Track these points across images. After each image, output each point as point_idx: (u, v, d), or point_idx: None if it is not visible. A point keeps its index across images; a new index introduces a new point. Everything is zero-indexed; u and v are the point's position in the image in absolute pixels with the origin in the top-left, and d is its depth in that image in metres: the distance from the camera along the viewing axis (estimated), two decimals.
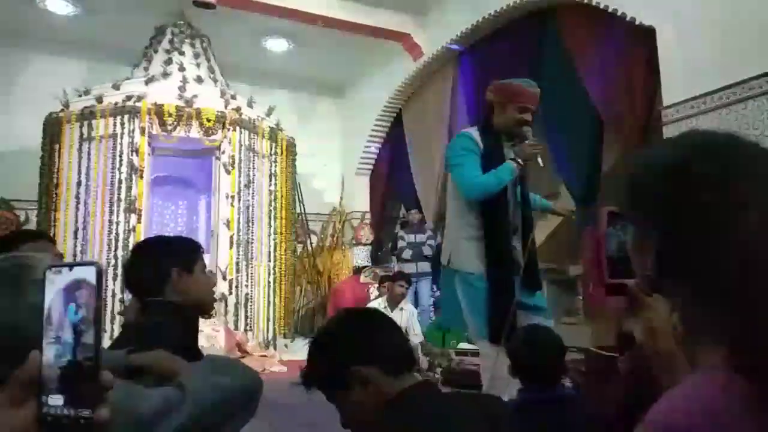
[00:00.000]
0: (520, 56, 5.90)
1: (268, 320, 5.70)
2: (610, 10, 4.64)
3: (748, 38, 3.71)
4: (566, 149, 5.11)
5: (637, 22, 4.37)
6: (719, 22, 3.90)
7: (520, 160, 2.53)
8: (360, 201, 8.80)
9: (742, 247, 0.63)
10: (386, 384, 1.13)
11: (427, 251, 6.65)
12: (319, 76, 8.77)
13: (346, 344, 1.19)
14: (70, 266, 0.58)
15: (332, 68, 8.51)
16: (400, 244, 6.74)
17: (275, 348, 5.62)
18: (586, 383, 2.73)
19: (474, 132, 2.66)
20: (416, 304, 6.11)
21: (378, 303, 5.12)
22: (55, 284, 0.57)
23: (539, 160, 2.60)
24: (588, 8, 4.89)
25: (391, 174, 8.54)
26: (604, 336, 1.35)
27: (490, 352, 2.45)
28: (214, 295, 1.67)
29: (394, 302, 5.03)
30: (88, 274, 0.57)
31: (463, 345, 4.95)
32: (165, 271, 1.46)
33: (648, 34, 4.34)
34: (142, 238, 1.62)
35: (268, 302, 5.73)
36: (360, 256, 7.69)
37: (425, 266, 6.57)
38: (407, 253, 6.63)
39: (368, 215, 8.67)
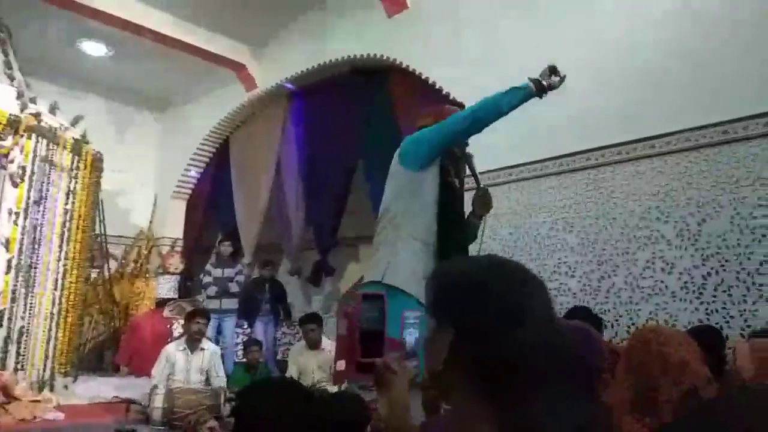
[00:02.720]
0: (351, 106, 6.19)
1: (47, 357, 4.98)
2: (431, 81, 5.13)
3: (536, 127, 4.36)
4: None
5: (451, 97, 4.87)
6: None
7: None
8: (173, 226, 8.27)
9: (516, 349, 0.78)
10: None
11: (234, 288, 6.39)
12: (139, 87, 8.18)
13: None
14: None
15: (156, 82, 8.01)
16: (206, 279, 6.40)
17: (52, 390, 4.91)
18: None
19: None
20: (219, 342, 5.84)
21: (176, 345, 4.72)
22: None
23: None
24: (414, 75, 5.34)
25: (211, 201, 8.20)
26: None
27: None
28: None
29: (192, 341, 4.67)
30: None
31: None
32: None
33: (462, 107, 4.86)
34: None
35: (49, 337, 5.02)
36: (165, 287, 7.15)
37: (230, 303, 6.32)
38: (212, 290, 6.32)
39: (180, 242, 8.17)
